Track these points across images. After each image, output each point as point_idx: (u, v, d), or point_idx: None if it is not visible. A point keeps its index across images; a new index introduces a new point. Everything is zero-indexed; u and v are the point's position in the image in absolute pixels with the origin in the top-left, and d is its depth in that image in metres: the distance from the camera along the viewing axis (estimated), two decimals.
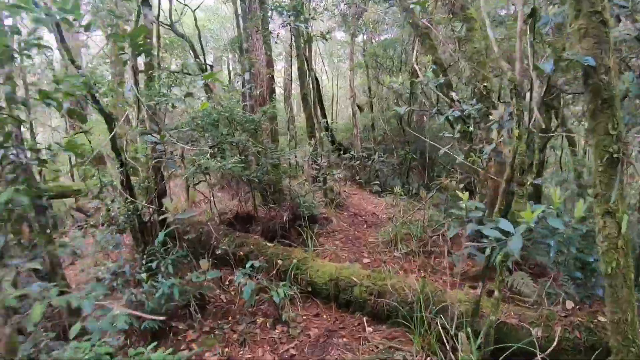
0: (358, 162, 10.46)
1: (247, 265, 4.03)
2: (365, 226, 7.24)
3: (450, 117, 5.43)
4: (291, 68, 11.84)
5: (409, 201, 8.62)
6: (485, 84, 6.02)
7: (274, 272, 4.77)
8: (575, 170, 7.66)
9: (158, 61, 7.29)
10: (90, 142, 5.86)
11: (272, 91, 7.60)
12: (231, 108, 4.97)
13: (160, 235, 3.99)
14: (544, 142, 6.97)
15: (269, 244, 5.16)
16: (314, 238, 5.71)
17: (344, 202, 8.23)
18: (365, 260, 5.56)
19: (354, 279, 4.27)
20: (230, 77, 12.99)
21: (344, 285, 4.29)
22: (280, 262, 4.76)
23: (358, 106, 12.69)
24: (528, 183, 3.00)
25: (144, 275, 3.93)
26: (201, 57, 10.92)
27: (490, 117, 4.54)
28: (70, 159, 9.81)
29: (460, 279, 5.26)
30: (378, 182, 10.00)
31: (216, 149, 5.89)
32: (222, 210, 7.84)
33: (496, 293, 3.26)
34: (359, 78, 14.42)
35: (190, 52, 10.38)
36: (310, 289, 4.49)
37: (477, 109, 5.38)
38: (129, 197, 5.01)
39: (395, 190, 6.98)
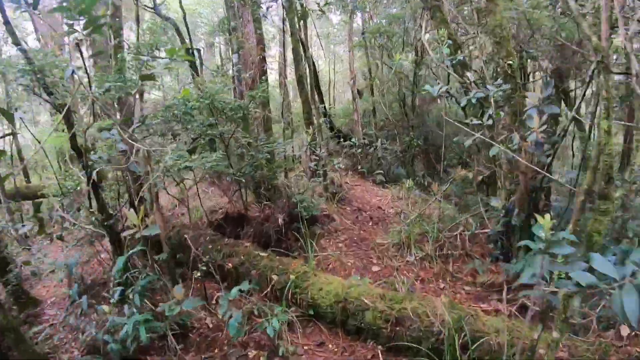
0: (360, 150, 9.56)
1: (233, 290, 3.18)
2: (370, 223, 6.40)
3: (472, 100, 4.54)
4: (285, 53, 10.82)
5: (411, 192, 7.78)
6: (509, 62, 5.10)
7: (269, 289, 3.94)
8: None
9: (134, 44, 6.31)
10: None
11: (264, 73, 6.65)
12: (212, 93, 4.05)
13: (119, 262, 3.14)
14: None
15: (261, 254, 4.31)
16: (314, 244, 4.86)
17: (345, 196, 7.38)
18: (375, 268, 4.73)
19: (366, 300, 3.44)
20: (222, 63, 11.95)
21: (353, 308, 3.46)
22: (275, 277, 3.93)
23: (358, 90, 11.70)
24: (617, 196, 2.12)
25: (105, 308, 3.09)
26: (187, 41, 9.89)
27: (527, 100, 3.67)
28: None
29: (485, 290, 4.46)
30: (382, 171, 9.12)
31: (200, 142, 4.99)
32: (213, 207, 6.98)
33: (555, 334, 2.43)
34: (357, 61, 13.37)
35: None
36: (312, 311, 3.67)
37: (504, 90, 4.49)
38: (94, 204, 4.16)
39: (406, 183, 6.10)
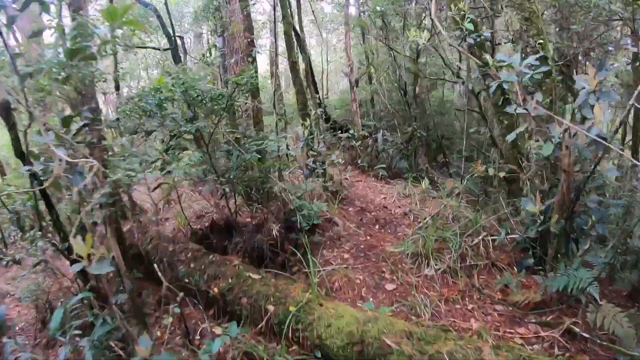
0: (359, 142, 8.72)
1: (216, 345, 2.35)
2: (377, 226, 5.59)
3: (505, 86, 3.70)
4: (276, 41, 9.88)
5: (427, 192, 6.99)
6: (540, 41, 4.28)
7: (263, 323, 3.12)
8: None
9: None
10: None
11: (253, 60, 5.75)
12: (187, 80, 3.18)
13: (56, 317, 2.29)
14: None
15: (253, 276, 3.48)
16: (316, 259, 4.04)
17: (347, 194, 6.56)
18: (389, 286, 3.93)
19: (388, 341, 2.64)
20: (208, 50, 10.95)
21: (372, 352, 2.65)
22: (271, 308, 3.11)
23: (351, 79, 10.81)
24: None
25: None
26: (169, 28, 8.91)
27: (579, 85, 2.86)
28: None
29: (519, 309, 3.69)
30: (383, 165, 8.30)
31: (178, 139, 4.12)
32: (200, 212, 6.13)
33: None
34: (353, 49, 12.45)
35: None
36: (319, 354, 2.86)
37: (543, 73, 3.66)
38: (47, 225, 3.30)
39: (422, 183, 5.29)
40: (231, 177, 3.70)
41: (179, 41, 10.14)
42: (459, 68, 6.73)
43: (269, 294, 3.21)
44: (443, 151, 10.20)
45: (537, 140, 3.67)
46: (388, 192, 7.01)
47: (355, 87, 9.23)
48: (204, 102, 3.39)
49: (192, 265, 3.97)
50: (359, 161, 8.66)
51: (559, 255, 4.07)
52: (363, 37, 10.40)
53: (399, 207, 6.25)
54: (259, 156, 3.93)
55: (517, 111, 3.05)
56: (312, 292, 3.27)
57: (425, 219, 5.29)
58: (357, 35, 10.95)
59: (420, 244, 4.37)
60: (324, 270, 4.08)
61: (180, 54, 9.23)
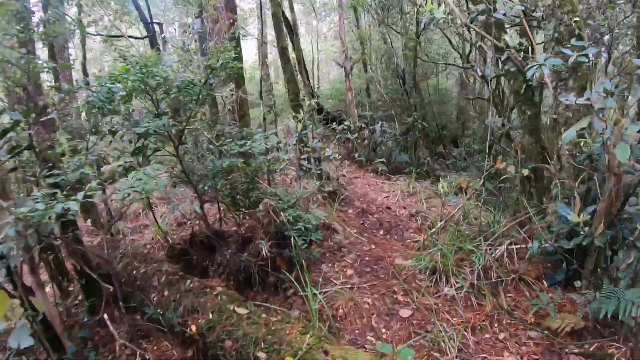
0: (355, 134, 7.99)
1: None
2: (382, 232, 4.91)
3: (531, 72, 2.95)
4: (264, 29, 9.03)
5: (429, 187, 6.33)
6: (576, 18, 3.56)
7: None
8: None
9: None
10: None
11: (236, 41, 4.94)
12: (143, 65, 2.42)
13: None
14: None
15: (239, 310, 2.76)
16: (316, 282, 3.34)
17: (345, 193, 5.86)
18: (404, 312, 3.24)
19: None
20: (189, 37, 10.04)
21: None
22: (263, 356, 2.41)
23: (346, 67, 10.00)
24: None
25: None
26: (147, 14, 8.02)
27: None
28: None
29: (559, 338, 3.05)
30: (383, 159, 7.60)
31: (145, 140, 3.35)
32: (181, 219, 5.38)
33: None
34: (347, 35, 11.61)
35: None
36: None
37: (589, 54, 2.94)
38: None
39: (441, 184, 4.62)
40: (207, 186, 2.97)
41: (157, 28, 9.23)
42: (469, 53, 5.97)
43: (259, 336, 2.51)
44: (443, 142, 9.55)
45: (583, 136, 3.01)
46: (390, 190, 6.32)
47: (350, 75, 8.46)
48: (169, 92, 2.64)
49: (165, 293, 3.25)
50: (356, 155, 7.95)
51: (598, 270, 3.44)
52: (357, 21, 9.60)
53: (404, 207, 5.57)
54: (240, 160, 3.19)
55: (577, 102, 2.33)
56: (314, 329, 2.58)
57: (436, 222, 4.64)
58: (351, 22, 10.14)
59: (437, 256, 3.69)
60: (324, 292, 3.39)
61: (159, 43, 8.36)
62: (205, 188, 3.22)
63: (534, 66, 2.78)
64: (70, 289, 4.16)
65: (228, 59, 2.69)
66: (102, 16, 8.80)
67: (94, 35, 8.67)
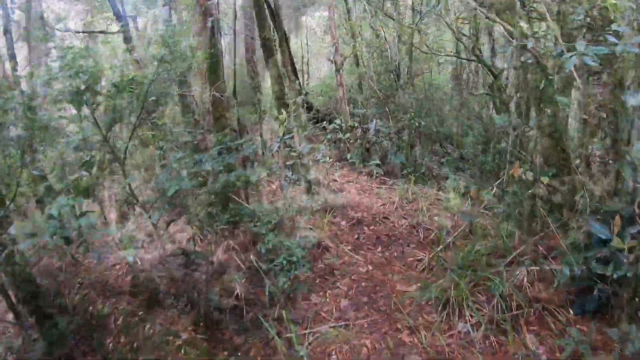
0: (348, 134, 7.36)
1: None
2: (380, 248, 4.31)
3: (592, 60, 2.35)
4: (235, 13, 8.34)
5: (429, 192, 5.75)
6: (605, 3, 2.97)
7: None
8: None
9: None
10: None
11: (213, 35, 4.28)
12: (72, 57, 1.77)
13: None
14: None
15: None
16: (303, 317, 2.72)
17: (336, 201, 5.23)
18: (412, 358, 2.65)
19: None
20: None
21: None
22: None
23: (337, 61, 9.34)
24: None
25: None
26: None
27: None
28: None
29: None
30: (377, 161, 6.99)
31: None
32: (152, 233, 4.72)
33: None
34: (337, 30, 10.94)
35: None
36: None
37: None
38: None
39: (449, 194, 4.04)
40: (167, 206, 2.34)
41: (131, 22, 8.49)
42: (474, 45, 5.35)
43: None
44: (440, 140, 8.97)
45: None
46: (387, 196, 5.71)
47: (341, 70, 7.82)
48: (100, 92, 1.99)
49: (122, 339, 2.62)
50: (349, 156, 7.33)
51: (636, 300, 2.89)
52: (348, 13, 8.95)
53: (404, 217, 4.96)
54: (199, 179, 2.55)
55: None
56: None
57: (441, 236, 4.05)
58: (341, 14, 9.48)
59: (447, 283, 3.10)
60: (314, 332, 2.78)
61: (131, 36, 7.62)
62: (166, 207, 2.58)
63: (573, 55, 2.18)
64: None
65: (185, 49, 2.06)
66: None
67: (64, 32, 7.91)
